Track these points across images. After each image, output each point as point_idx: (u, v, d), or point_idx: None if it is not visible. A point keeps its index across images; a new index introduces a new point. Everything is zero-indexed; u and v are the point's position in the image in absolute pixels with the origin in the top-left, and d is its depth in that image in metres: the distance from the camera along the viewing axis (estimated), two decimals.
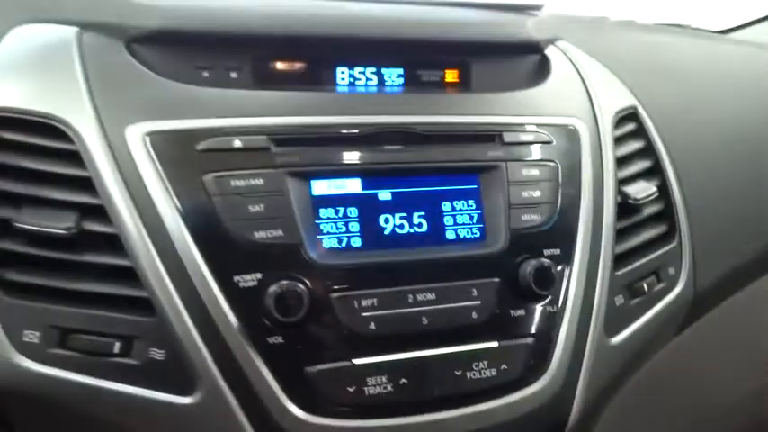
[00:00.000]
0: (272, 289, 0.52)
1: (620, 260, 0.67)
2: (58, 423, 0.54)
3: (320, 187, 0.58)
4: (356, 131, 0.60)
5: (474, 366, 0.58)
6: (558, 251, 0.62)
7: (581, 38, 0.84)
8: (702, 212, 0.76)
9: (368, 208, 0.59)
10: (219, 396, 0.52)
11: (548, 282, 0.59)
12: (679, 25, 1.16)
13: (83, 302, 0.52)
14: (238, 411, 0.53)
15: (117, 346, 0.52)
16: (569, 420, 0.63)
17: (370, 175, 0.59)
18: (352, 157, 0.59)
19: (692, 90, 0.87)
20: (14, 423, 0.54)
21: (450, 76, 0.71)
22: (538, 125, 0.66)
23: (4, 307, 0.52)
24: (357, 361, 0.55)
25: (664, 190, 0.74)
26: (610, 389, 0.68)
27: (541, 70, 0.74)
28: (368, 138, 0.60)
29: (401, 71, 0.69)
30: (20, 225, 0.52)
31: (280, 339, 0.53)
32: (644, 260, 0.69)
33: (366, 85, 0.68)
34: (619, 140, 0.73)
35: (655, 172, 0.75)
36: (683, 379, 0.78)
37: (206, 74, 0.63)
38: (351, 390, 0.54)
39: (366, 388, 0.55)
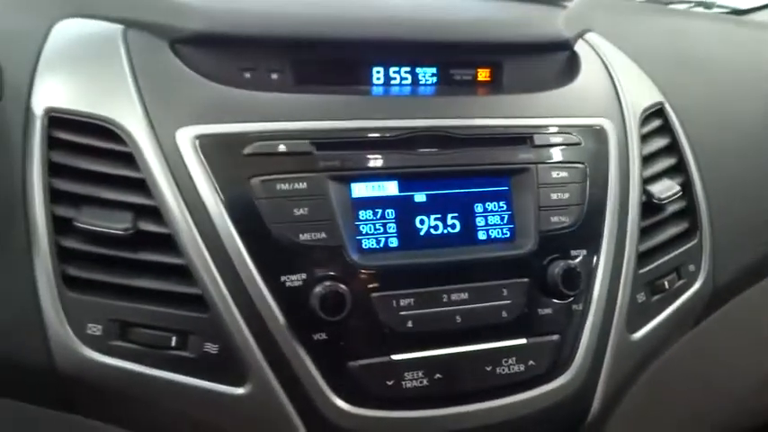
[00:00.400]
0: (317, 289, 0.56)
1: (642, 258, 0.70)
2: (118, 408, 0.58)
3: (360, 190, 0.61)
4: (393, 135, 0.62)
5: (503, 362, 0.61)
6: (584, 251, 0.65)
7: (609, 26, 0.84)
8: (724, 209, 0.78)
9: (404, 209, 0.62)
10: (268, 388, 0.56)
11: (575, 282, 0.62)
12: (707, 4, 1.15)
13: (141, 298, 0.56)
14: (286, 402, 0.57)
15: (174, 340, 0.56)
16: (590, 412, 0.66)
17: (407, 178, 0.62)
18: (389, 160, 0.62)
19: (717, 83, 0.88)
20: (79, 408, 0.59)
21: (482, 74, 0.73)
22: (567, 126, 0.68)
23: (69, 301, 0.55)
24: (395, 357, 0.59)
25: (687, 187, 0.76)
26: (629, 381, 0.71)
27: (571, 68, 0.75)
28: (404, 141, 0.62)
29: (434, 70, 0.71)
30: (80, 224, 0.56)
31: (323, 336, 0.57)
32: (666, 258, 0.72)
33: (401, 84, 0.70)
34: (645, 138, 0.74)
35: (679, 169, 0.77)
36: (697, 368, 0.81)
37: (248, 75, 0.65)
38: (389, 383, 0.58)
39: (403, 382, 0.59)
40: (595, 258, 0.66)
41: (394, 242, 0.61)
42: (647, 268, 0.70)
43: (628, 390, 0.73)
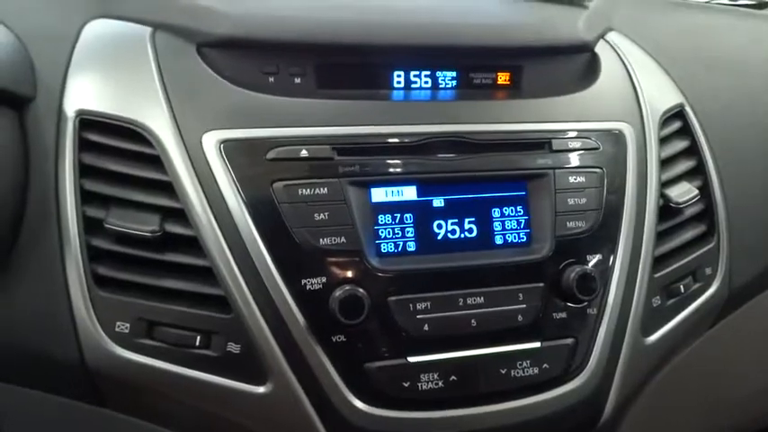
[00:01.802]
0: (336, 293, 0.57)
1: (658, 262, 0.70)
2: (144, 403, 0.61)
3: (379, 195, 0.62)
4: (412, 140, 0.63)
5: (518, 365, 0.63)
6: (600, 256, 0.65)
7: (629, 24, 0.84)
8: (742, 212, 0.78)
9: (422, 214, 0.63)
10: (288, 387, 0.58)
11: (590, 287, 0.63)
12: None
13: (167, 298, 0.58)
14: (305, 401, 0.59)
15: (198, 339, 0.58)
16: (603, 414, 0.67)
17: (425, 183, 0.63)
18: (408, 165, 0.63)
19: (739, 82, 0.87)
20: (107, 402, 0.61)
21: (502, 78, 0.73)
22: (586, 131, 0.69)
23: (98, 300, 0.58)
24: (412, 359, 0.60)
25: (705, 190, 0.76)
26: (642, 384, 0.72)
27: (591, 70, 0.75)
28: (423, 147, 0.63)
29: (454, 74, 0.72)
30: (110, 225, 0.58)
31: (342, 338, 0.59)
32: (682, 262, 0.72)
33: (421, 88, 0.71)
34: (664, 141, 0.74)
35: (697, 172, 0.77)
36: (711, 371, 0.82)
37: (271, 79, 0.66)
38: (406, 385, 0.60)
39: (419, 383, 0.60)
40: (611, 263, 0.66)
41: (412, 246, 0.62)
42: (663, 272, 0.71)
43: (641, 392, 0.74)
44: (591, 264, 0.64)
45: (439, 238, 0.63)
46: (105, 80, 0.62)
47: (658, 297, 0.70)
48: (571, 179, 0.66)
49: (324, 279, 0.58)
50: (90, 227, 0.58)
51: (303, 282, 0.58)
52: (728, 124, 0.81)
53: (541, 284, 0.63)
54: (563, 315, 0.64)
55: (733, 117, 0.82)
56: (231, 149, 0.59)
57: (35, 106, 0.60)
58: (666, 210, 0.72)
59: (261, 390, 0.59)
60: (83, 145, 0.60)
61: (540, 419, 0.64)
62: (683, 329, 0.73)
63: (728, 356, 0.83)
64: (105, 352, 0.57)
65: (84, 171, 0.59)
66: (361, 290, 0.57)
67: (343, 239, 0.59)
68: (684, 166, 0.76)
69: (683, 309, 0.73)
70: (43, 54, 0.62)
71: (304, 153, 0.60)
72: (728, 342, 0.81)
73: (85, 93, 0.61)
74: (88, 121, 0.60)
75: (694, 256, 0.74)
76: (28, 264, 0.58)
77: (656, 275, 0.70)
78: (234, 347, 0.58)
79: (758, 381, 0.86)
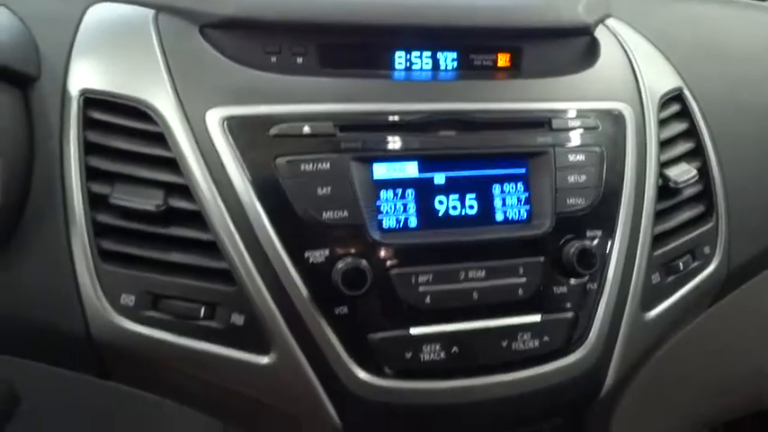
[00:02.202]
0: (339, 265, 0.58)
1: (658, 240, 0.71)
2: (150, 376, 0.61)
3: (381, 171, 0.63)
4: (414, 118, 0.64)
5: (519, 338, 0.63)
6: (600, 233, 0.66)
7: (629, 11, 0.85)
8: (741, 194, 0.79)
9: (424, 190, 0.63)
10: (292, 358, 0.59)
11: (590, 262, 0.64)
12: None
13: (171, 271, 0.59)
14: (309, 371, 0.59)
15: (202, 311, 0.58)
16: (603, 388, 0.68)
17: (427, 160, 0.64)
18: (410, 142, 0.64)
19: (737, 70, 0.87)
20: (113, 374, 0.62)
21: (502, 60, 0.74)
22: (585, 111, 0.69)
23: (103, 273, 0.58)
24: (414, 330, 0.61)
25: (704, 171, 0.77)
26: (642, 359, 0.73)
27: (590, 53, 0.76)
28: (424, 124, 0.64)
29: (455, 55, 0.72)
30: (114, 201, 0.58)
31: (345, 310, 0.59)
32: (681, 240, 0.73)
33: (422, 69, 0.72)
34: (663, 123, 0.75)
35: (696, 153, 0.78)
36: (710, 350, 0.82)
37: (274, 59, 0.67)
38: (408, 355, 0.61)
39: (421, 354, 0.61)
40: (611, 239, 0.67)
41: (413, 222, 0.63)
42: (662, 250, 0.71)
43: (641, 367, 0.74)
44: (590, 239, 0.65)
45: (440, 214, 0.64)
46: (109, 60, 0.63)
47: (657, 274, 0.71)
48: (571, 157, 0.67)
49: (326, 252, 0.59)
50: (95, 202, 0.59)
51: (306, 254, 0.59)
52: (727, 109, 0.82)
53: (542, 259, 0.64)
54: (563, 289, 0.65)
55: (732, 103, 0.83)
56: (234, 126, 0.60)
57: (39, 86, 0.61)
58: (665, 190, 0.73)
59: (265, 360, 0.59)
60: (87, 123, 0.61)
61: (540, 391, 0.64)
62: (683, 306, 0.73)
63: (728, 335, 0.83)
64: (111, 324, 0.58)
65: (88, 148, 0.60)
66: (363, 262, 0.58)
67: (345, 213, 0.60)
68: (683, 147, 0.77)
69: (682, 286, 0.73)
70: (47, 36, 0.63)
71: (306, 129, 0.61)
72: (728, 321, 0.82)
73: (89, 73, 0.62)
74: (92, 100, 0.61)
75: (693, 235, 0.74)
76: (34, 239, 0.59)
77: (656, 253, 0.71)
78: (238, 319, 0.59)
79: (758, 360, 0.86)
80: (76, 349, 0.59)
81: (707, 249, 0.76)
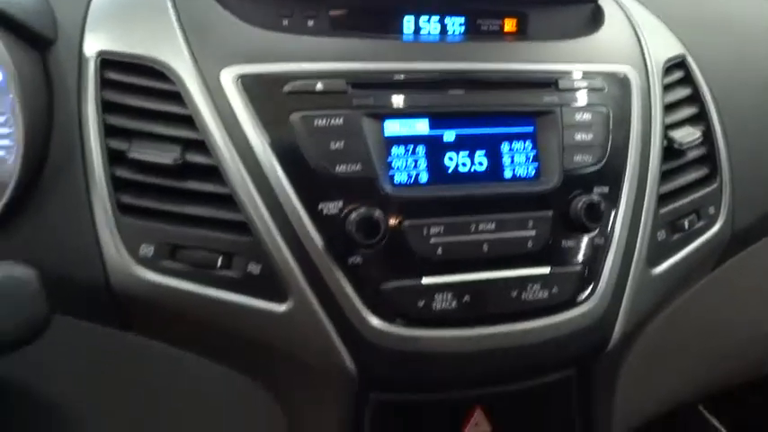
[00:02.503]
0: (353, 216, 0.59)
1: (663, 199, 0.73)
2: (168, 326, 0.63)
3: (392, 128, 0.64)
4: (424, 77, 0.66)
5: (528, 288, 0.65)
6: (606, 189, 0.68)
7: None
8: (744, 158, 0.80)
9: (434, 147, 0.65)
10: (308, 306, 0.60)
11: (597, 216, 0.65)
12: None
13: (189, 223, 0.60)
14: (324, 319, 0.61)
15: (219, 261, 0.60)
16: (611, 341, 0.70)
17: (437, 117, 0.65)
18: (420, 100, 0.65)
19: (740, 40, 0.89)
20: (132, 326, 0.63)
21: (509, 24, 0.75)
22: (591, 72, 0.71)
23: (122, 226, 0.60)
24: (426, 280, 0.62)
25: (708, 135, 0.79)
26: (648, 316, 0.74)
27: (595, 19, 0.78)
28: (434, 83, 0.66)
29: (462, 20, 0.74)
30: (132, 155, 0.60)
31: (359, 259, 0.61)
32: (686, 200, 0.75)
33: (430, 33, 0.73)
34: (667, 88, 0.77)
35: (700, 118, 0.79)
36: (715, 312, 0.84)
37: (286, 21, 0.69)
38: (420, 304, 0.62)
39: (433, 303, 0.62)
40: (617, 195, 0.68)
41: (424, 177, 0.64)
42: (668, 208, 0.73)
43: (647, 325, 0.76)
44: (598, 195, 0.66)
45: (450, 170, 0.65)
46: (124, 23, 0.65)
47: (663, 231, 0.72)
48: (577, 117, 0.68)
49: (340, 203, 0.60)
50: (113, 158, 0.61)
51: (320, 206, 0.60)
52: (730, 77, 0.83)
53: (550, 213, 0.66)
54: (571, 243, 0.66)
55: (735, 71, 0.85)
56: (249, 83, 0.62)
57: (56, 50, 0.63)
58: (670, 151, 0.74)
59: (281, 308, 0.61)
60: (104, 84, 0.62)
61: (550, 341, 0.66)
62: (687, 265, 0.75)
63: (730, 300, 0.85)
64: (130, 274, 0.60)
65: (106, 107, 0.62)
66: (377, 212, 0.60)
67: (358, 167, 0.61)
68: (687, 112, 0.79)
69: (687, 245, 0.75)
70: (62, 2, 0.65)
71: (319, 86, 0.62)
72: (730, 286, 0.83)
73: (105, 35, 0.64)
74: (109, 61, 0.63)
75: (698, 195, 0.76)
76: (54, 195, 0.60)
77: (661, 211, 0.72)
78: (254, 268, 0.60)
79: (759, 326, 0.88)
80: (97, 300, 0.61)
81: (711, 210, 0.77)
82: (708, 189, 0.77)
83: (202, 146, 0.61)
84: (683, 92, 0.79)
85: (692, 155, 0.77)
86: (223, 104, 0.61)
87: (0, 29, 0.59)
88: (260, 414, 0.67)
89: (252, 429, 0.68)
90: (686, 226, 0.74)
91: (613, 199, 0.68)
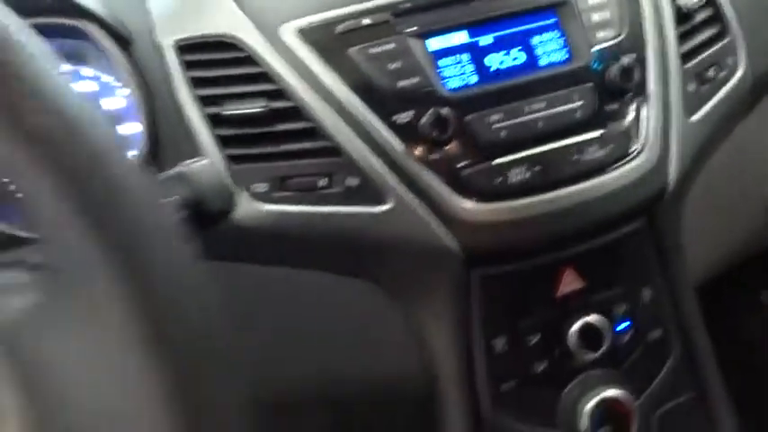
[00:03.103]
0: (424, 120, 0.69)
1: (685, 57, 0.81)
2: (290, 247, 0.72)
3: (435, 44, 0.74)
4: None
5: (587, 150, 0.74)
6: (634, 55, 0.76)
7: None
8: (750, 11, 0.88)
9: (474, 52, 0.74)
10: (405, 201, 0.70)
11: (630, 77, 0.74)
12: None
13: (289, 157, 0.70)
14: (420, 208, 0.70)
15: (321, 182, 0.70)
16: (668, 186, 0.78)
17: (472, 27, 0.75)
18: (455, 15, 0.74)
19: None
20: (259, 256, 0.73)
21: None
22: None
23: (236, 172, 0.70)
24: (498, 160, 0.72)
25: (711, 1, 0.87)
26: (696, 162, 0.83)
27: None
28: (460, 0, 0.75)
29: None
30: (227, 113, 0.70)
31: (437, 155, 0.70)
32: (705, 54, 0.83)
33: None
34: None
35: None
36: (755, 157, 0.92)
37: None
38: (497, 181, 0.72)
39: (509, 177, 0.72)
40: (644, 58, 0.77)
41: (474, 79, 0.74)
42: (691, 63, 0.81)
43: (696, 173, 0.84)
44: (627, 61, 0.75)
45: (492, 69, 0.74)
46: (186, 11, 0.75)
47: (693, 83, 0.81)
48: (591, 1, 0.78)
49: (411, 112, 0.70)
50: (213, 121, 0.71)
51: (394, 117, 0.70)
52: None
53: (590, 84, 0.74)
54: (614, 105, 0.75)
55: None
56: (307, 32, 0.72)
57: (135, 47, 0.73)
58: (680, 16, 0.83)
59: (383, 208, 0.70)
60: (186, 65, 0.73)
61: (616, 192, 0.75)
62: (722, 111, 0.83)
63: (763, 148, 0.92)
64: (251, 209, 0.70)
65: (194, 83, 0.72)
66: (443, 111, 0.69)
67: (417, 79, 0.71)
68: None
69: (717, 91, 0.83)
70: (123, 3, 0.75)
71: (367, 21, 0.72)
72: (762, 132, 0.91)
73: (173, 25, 0.74)
74: (184, 47, 0.73)
75: (715, 48, 0.84)
76: (175, 159, 0.71)
77: (685, 66, 0.81)
78: (352, 181, 0.70)
79: None
80: (225, 237, 0.71)
81: (730, 60, 0.85)
82: (722, 43, 0.85)
83: (282, 94, 0.71)
84: None
85: (699, 17, 0.85)
86: (289, 55, 0.71)
87: (108, 36, 0.70)
88: (377, 312, 0.76)
89: (372, 326, 0.78)
90: (711, 75, 0.82)
91: (641, 61, 0.77)
